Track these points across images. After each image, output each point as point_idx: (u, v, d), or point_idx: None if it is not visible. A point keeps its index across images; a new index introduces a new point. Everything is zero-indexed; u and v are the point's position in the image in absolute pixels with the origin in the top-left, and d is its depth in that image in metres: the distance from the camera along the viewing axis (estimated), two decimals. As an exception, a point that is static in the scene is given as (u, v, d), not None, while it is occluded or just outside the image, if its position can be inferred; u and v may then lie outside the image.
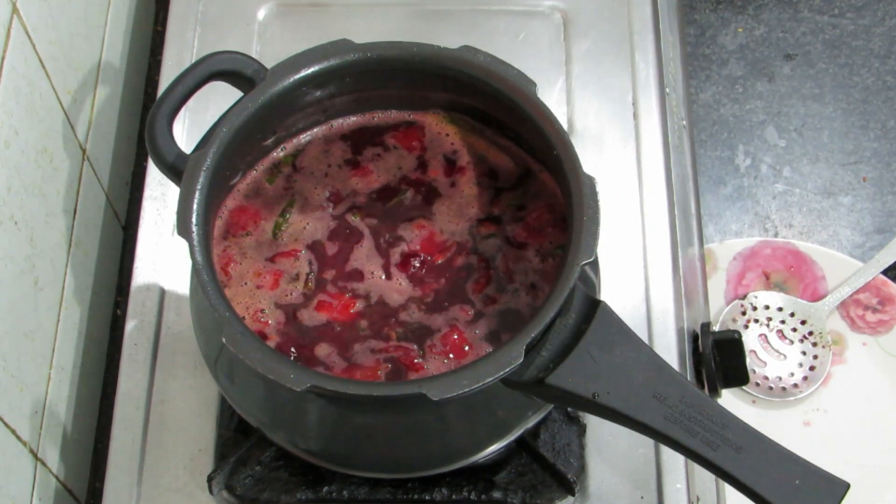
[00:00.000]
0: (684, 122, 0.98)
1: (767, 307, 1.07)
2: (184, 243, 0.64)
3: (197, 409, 0.82)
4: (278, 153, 0.76)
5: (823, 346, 1.05)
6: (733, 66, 1.18)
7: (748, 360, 0.87)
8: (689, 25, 1.19)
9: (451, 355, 0.68)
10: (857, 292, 1.06)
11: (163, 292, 0.87)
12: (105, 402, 0.93)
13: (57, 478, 0.84)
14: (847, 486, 0.61)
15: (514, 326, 0.69)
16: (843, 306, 1.07)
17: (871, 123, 1.16)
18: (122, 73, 1.00)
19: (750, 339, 1.06)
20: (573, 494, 0.78)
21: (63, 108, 0.85)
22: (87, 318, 0.91)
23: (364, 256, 0.72)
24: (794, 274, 1.08)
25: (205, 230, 0.65)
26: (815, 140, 1.15)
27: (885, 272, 1.07)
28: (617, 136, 0.94)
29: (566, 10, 0.99)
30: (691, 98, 1.09)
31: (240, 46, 0.89)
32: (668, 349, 0.85)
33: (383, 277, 0.71)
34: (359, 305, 0.70)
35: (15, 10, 0.75)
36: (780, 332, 1.06)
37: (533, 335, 0.61)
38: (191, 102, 0.71)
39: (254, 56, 0.74)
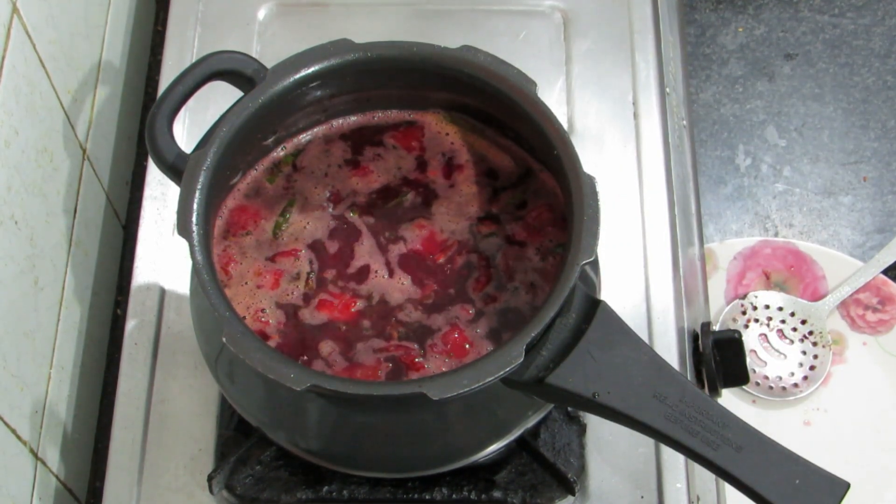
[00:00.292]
0: (684, 122, 0.98)
1: (768, 307, 1.07)
2: (184, 243, 0.64)
3: (197, 408, 0.82)
4: (278, 153, 0.76)
5: (824, 346, 1.05)
6: (733, 65, 1.18)
7: (748, 360, 0.87)
8: (690, 25, 1.19)
9: (452, 354, 0.68)
10: (857, 292, 1.06)
11: (163, 292, 0.87)
12: (105, 402, 0.93)
13: (57, 477, 0.84)
14: (847, 486, 0.61)
15: (514, 325, 0.69)
16: (843, 306, 1.07)
17: (871, 123, 1.16)
18: (123, 72, 1.00)
19: (750, 339, 1.06)
20: (573, 494, 0.78)
21: (63, 107, 0.85)
22: (88, 317, 0.91)
23: (365, 256, 0.72)
24: (794, 273, 1.08)
25: (205, 230, 0.65)
26: (815, 140, 1.15)
27: (885, 272, 1.07)
28: (617, 136, 0.94)
29: (566, 9, 0.99)
30: (691, 98, 1.09)
31: (240, 46, 0.89)
32: (669, 349, 0.85)
33: (385, 277, 0.71)
34: (360, 305, 0.70)
35: (15, 9, 0.75)
36: (780, 331, 1.06)
37: (533, 335, 0.61)
38: (191, 102, 0.71)
39: (254, 56, 0.74)
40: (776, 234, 1.11)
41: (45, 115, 0.81)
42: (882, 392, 1.04)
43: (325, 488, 0.78)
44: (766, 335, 1.06)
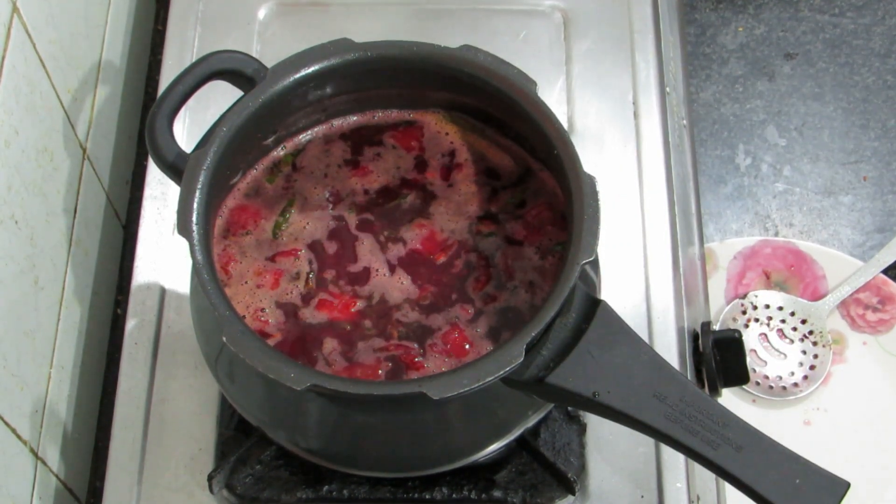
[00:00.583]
0: (685, 122, 0.98)
1: (768, 306, 1.07)
2: (184, 242, 0.64)
3: (197, 408, 0.82)
4: (278, 152, 0.76)
5: (824, 346, 1.05)
6: (734, 65, 1.18)
7: (748, 360, 0.87)
8: (690, 25, 1.19)
9: (452, 354, 0.68)
10: (857, 291, 1.06)
11: (163, 291, 0.87)
12: (105, 402, 0.93)
13: (57, 477, 0.84)
14: (847, 486, 0.61)
15: (514, 324, 0.69)
16: (843, 305, 1.07)
17: (871, 123, 1.16)
18: (123, 72, 1.00)
19: (750, 339, 1.06)
20: (573, 493, 0.78)
21: (63, 107, 0.85)
22: (88, 317, 0.91)
23: (365, 256, 0.72)
24: (794, 273, 1.08)
25: (205, 229, 0.65)
26: (815, 139, 1.15)
27: (885, 271, 1.07)
28: (617, 136, 0.94)
29: (566, 9, 0.99)
30: (692, 97, 1.09)
31: (240, 46, 0.89)
32: (669, 348, 0.85)
33: (385, 276, 0.71)
34: (360, 304, 0.70)
35: (15, 9, 0.75)
36: (780, 331, 1.06)
37: (533, 334, 0.61)
38: (191, 102, 0.71)
39: (254, 55, 0.74)
40: (776, 234, 1.11)
41: (45, 114, 0.81)
42: (882, 392, 1.04)
43: (325, 488, 0.78)
44: (766, 335, 1.06)
